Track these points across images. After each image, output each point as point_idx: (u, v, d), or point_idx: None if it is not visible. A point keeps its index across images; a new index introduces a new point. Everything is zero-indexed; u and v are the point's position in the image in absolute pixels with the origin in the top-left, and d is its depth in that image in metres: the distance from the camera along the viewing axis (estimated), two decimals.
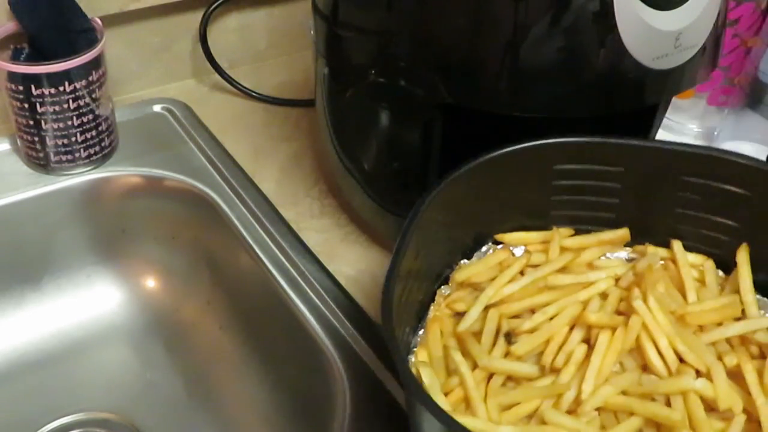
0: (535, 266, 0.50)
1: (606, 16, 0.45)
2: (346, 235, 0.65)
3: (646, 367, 0.44)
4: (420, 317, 0.48)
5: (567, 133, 0.49)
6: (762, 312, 0.47)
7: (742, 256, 0.48)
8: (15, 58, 0.64)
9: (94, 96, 0.64)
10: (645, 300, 0.45)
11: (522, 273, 0.49)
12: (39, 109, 0.63)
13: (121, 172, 0.68)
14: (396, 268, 0.42)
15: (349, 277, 0.60)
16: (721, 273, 0.50)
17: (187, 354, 0.68)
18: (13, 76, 0.62)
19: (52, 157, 0.66)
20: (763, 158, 0.74)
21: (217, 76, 0.80)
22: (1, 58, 0.63)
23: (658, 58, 0.47)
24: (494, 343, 0.45)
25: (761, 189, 0.48)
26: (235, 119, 0.77)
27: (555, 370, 0.43)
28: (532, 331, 0.45)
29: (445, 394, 0.42)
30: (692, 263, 0.50)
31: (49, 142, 0.65)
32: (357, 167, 0.59)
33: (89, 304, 0.70)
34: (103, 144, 0.67)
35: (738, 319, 0.46)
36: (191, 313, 0.69)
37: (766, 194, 0.48)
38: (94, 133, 0.66)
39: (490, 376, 0.44)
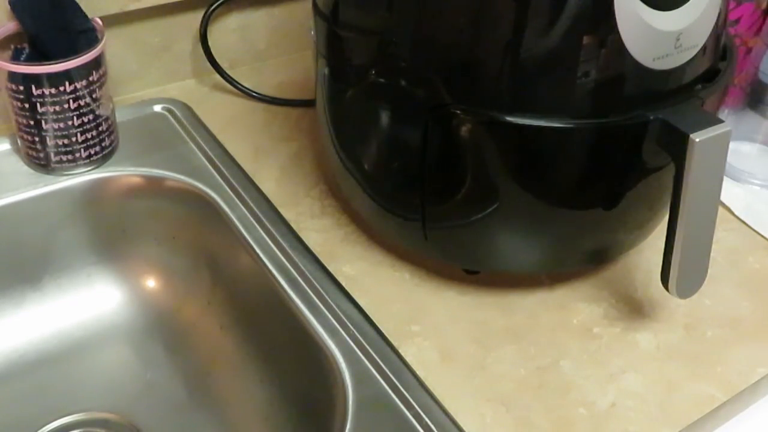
0: None
1: (606, 16, 0.45)
2: (346, 235, 0.65)
3: None
4: None
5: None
6: None
7: None
8: (15, 58, 0.64)
9: (94, 96, 0.64)
10: None
11: None
12: (39, 109, 0.63)
13: (121, 172, 0.68)
14: None
15: (349, 277, 0.60)
16: None
17: (187, 354, 0.68)
18: (13, 76, 0.62)
19: (53, 157, 0.66)
20: (764, 159, 0.74)
21: (217, 76, 0.80)
22: (1, 58, 0.63)
23: (658, 58, 0.47)
24: None
25: None
26: (235, 119, 0.77)
27: None
28: None
29: None
30: None
31: (50, 142, 0.65)
32: (357, 167, 0.59)
33: (89, 304, 0.70)
34: (103, 144, 0.67)
35: None
36: (191, 313, 0.69)
37: None
38: (94, 133, 0.66)
39: None
